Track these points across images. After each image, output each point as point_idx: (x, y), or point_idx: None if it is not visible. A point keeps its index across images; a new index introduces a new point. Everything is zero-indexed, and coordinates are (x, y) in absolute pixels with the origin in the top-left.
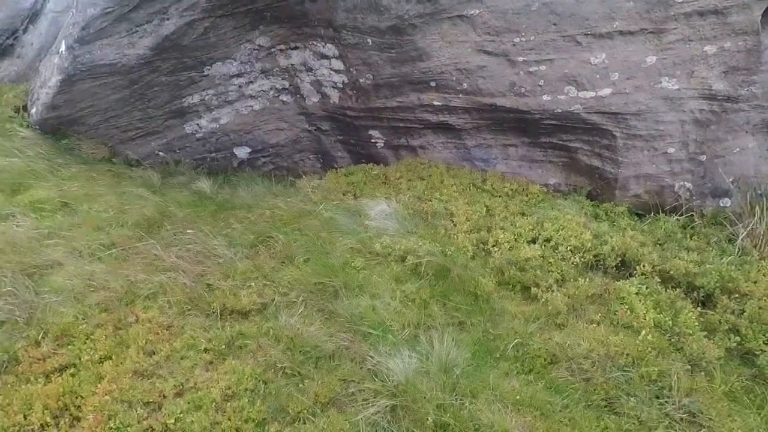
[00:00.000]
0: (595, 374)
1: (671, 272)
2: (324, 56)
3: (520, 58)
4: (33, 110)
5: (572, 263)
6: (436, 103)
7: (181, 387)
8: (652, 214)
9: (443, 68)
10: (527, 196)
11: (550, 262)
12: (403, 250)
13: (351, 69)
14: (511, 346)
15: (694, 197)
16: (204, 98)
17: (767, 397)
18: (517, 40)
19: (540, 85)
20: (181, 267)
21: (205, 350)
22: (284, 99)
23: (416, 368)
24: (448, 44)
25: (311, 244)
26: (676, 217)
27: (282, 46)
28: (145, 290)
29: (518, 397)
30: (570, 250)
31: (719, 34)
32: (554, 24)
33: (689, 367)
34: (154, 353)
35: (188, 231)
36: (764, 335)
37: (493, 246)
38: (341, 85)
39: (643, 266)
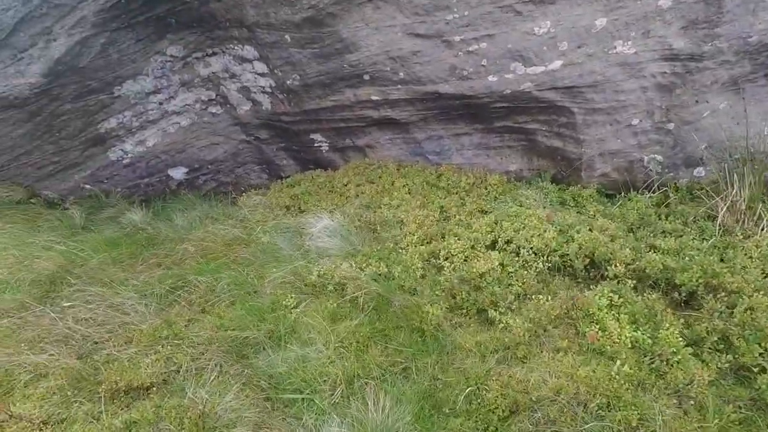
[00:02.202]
0: (564, 425)
1: (647, 270)
2: (245, 59)
3: (457, 38)
4: None
5: (535, 270)
6: (374, 97)
7: None
8: (623, 194)
9: (374, 58)
10: (486, 188)
11: (510, 273)
12: (342, 277)
13: (275, 71)
14: (463, 396)
15: (666, 170)
16: (122, 121)
17: None
18: (450, 17)
19: (483, 66)
20: (74, 336)
21: None
22: (213, 111)
23: None
24: (375, 31)
25: (239, 282)
26: (648, 195)
27: (198, 54)
28: (26, 374)
29: None
30: (533, 252)
31: None
32: None
33: (676, 400)
34: None
35: (94, 287)
36: (760, 344)
37: (446, 259)
38: (270, 90)
39: (615, 266)
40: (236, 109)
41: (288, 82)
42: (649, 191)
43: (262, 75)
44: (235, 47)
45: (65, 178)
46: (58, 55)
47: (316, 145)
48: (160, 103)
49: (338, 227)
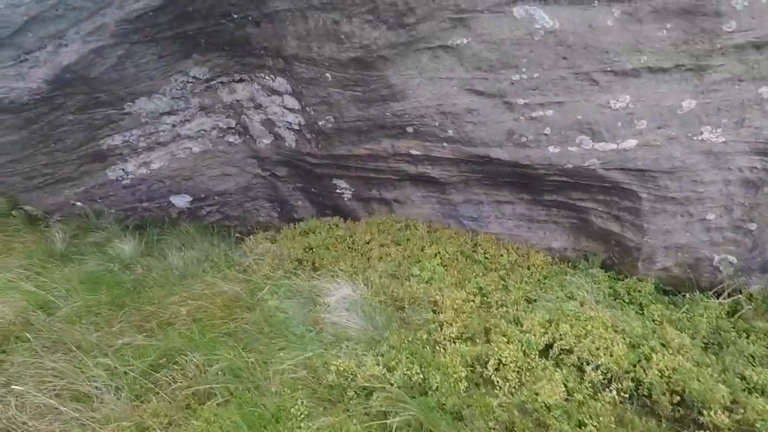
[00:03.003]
0: None
1: (756, 424)
2: (275, 91)
3: (521, 101)
4: None
5: (608, 401)
6: (414, 152)
7: None
8: (685, 294)
9: (423, 111)
10: (529, 269)
11: (579, 402)
12: (367, 379)
13: (308, 108)
14: None
15: (738, 273)
16: (128, 140)
17: None
18: (517, 77)
19: (545, 134)
20: None
21: None
22: (231, 140)
23: None
24: (428, 81)
25: (238, 369)
26: (719, 301)
27: (224, 78)
28: None
29: None
30: (601, 372)
31: None
32: (564, 58)
33: None
34: None
35: (54, 353)
36: None
37: (496, 369)
38: (297, 127)
39: (714, 413)
40: (256, 141)
41: (320, 122)
42: (718, 296)
43: (291, 110)
44: (266, 77)
45: (55, 191)
46: (68, 62)
47: (338, 191)
48: (173, 126)
49: (359, 299)
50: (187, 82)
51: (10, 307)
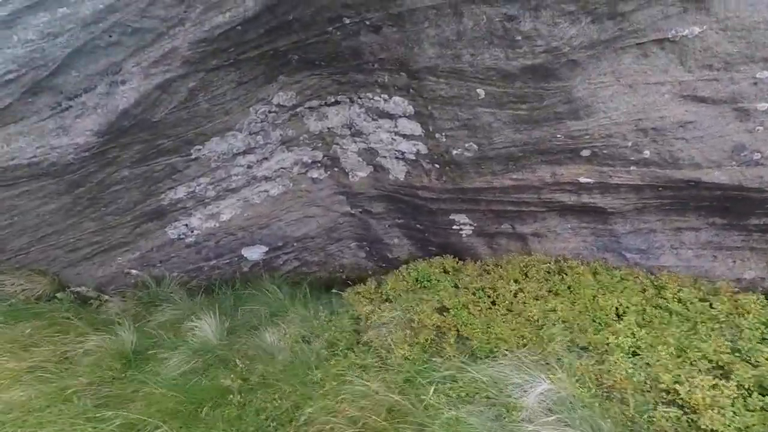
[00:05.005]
0: None
1: None
2: (384, 114)
3: (762, 105)
4: None
5: None
6: (583, 179)
7: None
8: None
9: (612, 129)
10: (742, 317)
11: None
12: None
13: (437, 134)
14: None
15: None
16: (194, 190)
17: None
18: (764, 74)
19: None
20: None
21: None
22: (315, 175)
23: None
24: (627, 90)
25: None
26: None
27: (314, 103)
28: None
29: None
30: None
31: None
32: None
33: None
34: None
35: None
36: None
37: None
38: (413, 156)
39: None
40: (348, 175)
41: (455, 151)
42: None
43: (407, 137)
44: (376, 97)
45: (105, 261)
46: (126, 105)
47: (454, 227)
48: (249, 167)
49: (567, 398)
50: (269, 111)
51: None
